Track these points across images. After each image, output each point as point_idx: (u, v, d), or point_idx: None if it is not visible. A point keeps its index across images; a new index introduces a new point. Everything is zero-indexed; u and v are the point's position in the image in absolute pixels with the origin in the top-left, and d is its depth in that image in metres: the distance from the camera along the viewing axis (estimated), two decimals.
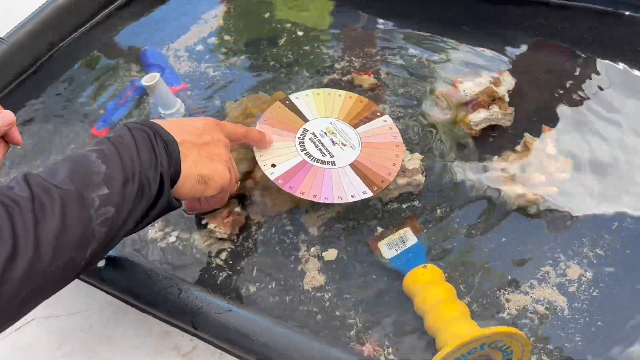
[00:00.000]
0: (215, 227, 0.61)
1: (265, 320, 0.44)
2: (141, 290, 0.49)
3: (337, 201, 0.59)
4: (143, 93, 0.80)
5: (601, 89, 0.68)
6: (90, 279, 0.54)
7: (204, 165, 0.51)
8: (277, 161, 0.61)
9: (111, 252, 0.55)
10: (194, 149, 0.51)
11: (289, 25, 0.87)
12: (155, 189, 0.47)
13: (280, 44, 0.85)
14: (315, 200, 0.59)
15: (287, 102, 0.68)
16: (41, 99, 0.83)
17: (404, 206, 0.62)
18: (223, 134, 0.56)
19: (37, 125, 0.80)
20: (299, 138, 0.64)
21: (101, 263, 0.54)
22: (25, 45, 0.83)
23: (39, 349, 0.56)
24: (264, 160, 0.61)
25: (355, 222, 0.62)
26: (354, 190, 0.60)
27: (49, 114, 0.81)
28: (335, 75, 0.78)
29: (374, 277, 0.57)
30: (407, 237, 0.58)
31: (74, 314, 0.58)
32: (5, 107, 0.51)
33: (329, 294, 0.56)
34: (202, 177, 0.51)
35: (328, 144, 0.64)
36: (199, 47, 0.87)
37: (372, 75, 0.76)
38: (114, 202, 0.43)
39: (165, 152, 0.48)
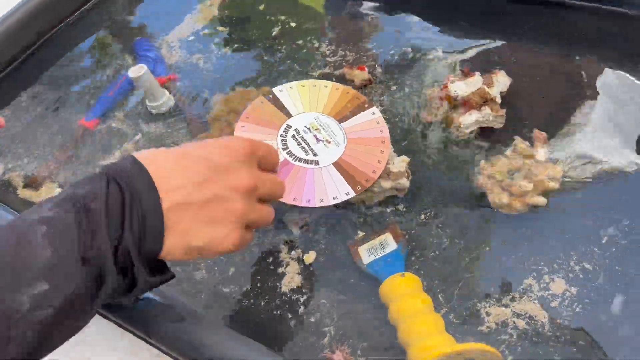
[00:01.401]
0: None
1: (221, 334, 0.43)
2: None
3: (318, 204, 0.57)
4: (134, 84, 0.79)
5: (601, 92, 0.65)
6: None
7: (197, 234, 0.39)
8: None
9: None
10: (188, 212, 0.38)
11: (283, 17, 0.85)
12: (123, 281, 0.37)
13: (273, 36, 0.82)
14: (296, 203, 0.57)
15: (271, 96, 0.66)
16: (30, 89, 0.82)
17: (388, 210, 0.60)
18: (255, 162, 0.43)
19: (24, 115, 0.79)
20: (281, 136, 0.62)
21: None
22: (13, 34, 0.82)
23: None
24: None
25: (338, 224, 0.60)
26: (337, 192, 0.58)
27: (37, 104, 0.80)
28: (327, 69, 0.76)
29: (352, 281, 0.56)
30: (387, 242, 0.56)
31: None
32: None
33: (306, 299, 0.55)
34: (192, 249, 0.39)
35: (312, 141, 0.62)
36: (191, 38, 0.85)
37: (366, 69, 0.73)
38: (53, 301, 0.33)
39: (139, 229, 0.36)
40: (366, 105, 0.66)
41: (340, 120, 0.64)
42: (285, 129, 0.63)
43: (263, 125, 0.63)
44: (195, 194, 0.39)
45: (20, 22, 0.82)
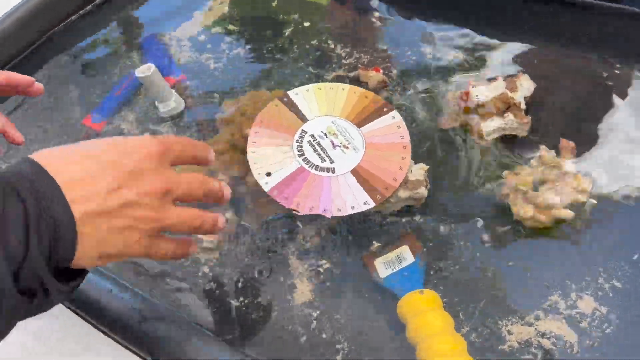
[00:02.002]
0: (202, 236, 0.57)
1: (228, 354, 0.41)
2: (103, 312, 0.46)
3: (336, 214, 0.55)
4: (141, 84, 0.76)
5: (630, 98, 0.62)
6: None
7: (110, 242, 0.37)
8: (272, 169, 0.57)
9: None
10: (100, 221, 0.36)
11: (296, 16, 0.82)
12: (29, 297, 0.33)
13: (286, 36, 0.80)
14: (312, 212, 0.55)
15: (286, 99, 0.64)
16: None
17: (404, 220, 0.58)
18: (169, 162, 0.40)
19: (27, 114, 0.77)
20: (297, 141, 0.60)
21: None
22: (15, 33, 0.79)
23: None
24: (258, 169, 0.57)
25: (352, 235, 0.58)
26: (354, 201, 0.56)
27: (41, 103, 0.78)
28: (341, 72, 0.73)
29: (366, 296, 0.53)
30: (404, 255, 0.54)
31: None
32: None
33: (318, 313, 0.53)
34: (104, 256, 0.37)
35: (328, 147, 0.60)
36: (202, 37, 0.82)
37: (381, 71, 0.70)
38: None
39: (49, 242, 0.33)
40: (385, 109, 0.63)
41: (359, 125, 0.62)
42: (300, 134, 0.60)
43: (278, 130, 0.61)
44: (107, 202, 0.36)
45: (21, 20, 0.79)
